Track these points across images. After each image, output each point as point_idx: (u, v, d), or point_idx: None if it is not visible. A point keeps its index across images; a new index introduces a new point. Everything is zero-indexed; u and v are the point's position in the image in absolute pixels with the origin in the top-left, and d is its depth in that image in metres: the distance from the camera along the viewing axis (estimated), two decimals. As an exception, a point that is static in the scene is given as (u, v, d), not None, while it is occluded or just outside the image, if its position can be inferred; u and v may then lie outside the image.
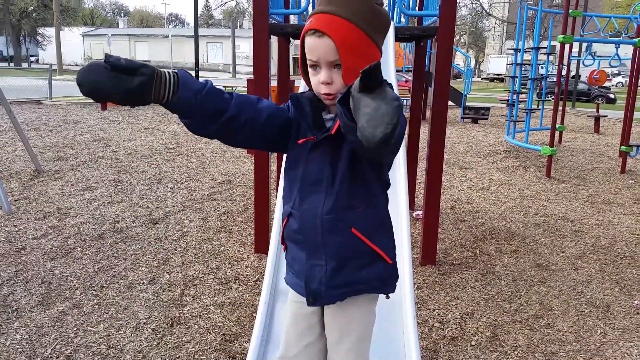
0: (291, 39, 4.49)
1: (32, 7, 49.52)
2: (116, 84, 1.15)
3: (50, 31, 48.62)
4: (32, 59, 57.61)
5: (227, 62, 53.81)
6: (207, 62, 57.20)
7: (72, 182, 6.14)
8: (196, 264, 3.90)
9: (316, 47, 1.34)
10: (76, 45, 59.94)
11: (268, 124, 1.41)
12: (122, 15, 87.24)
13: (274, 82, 4.57)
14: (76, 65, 54.75)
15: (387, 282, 1.53)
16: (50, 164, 7.04)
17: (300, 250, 1.48)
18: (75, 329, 2.91)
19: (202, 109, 1.28)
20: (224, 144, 1.43)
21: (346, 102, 1.13)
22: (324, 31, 1.31)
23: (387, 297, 1.57)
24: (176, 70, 1.26)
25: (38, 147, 8.17)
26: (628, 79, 9.52)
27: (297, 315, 1.58)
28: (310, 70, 1.39)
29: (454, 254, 4.27)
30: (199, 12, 27.53)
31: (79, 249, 4.11)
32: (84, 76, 1.14)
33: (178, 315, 3.10)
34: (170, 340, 2.83)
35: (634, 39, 8.60)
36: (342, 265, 1.45)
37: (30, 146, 6.59)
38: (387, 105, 1.03)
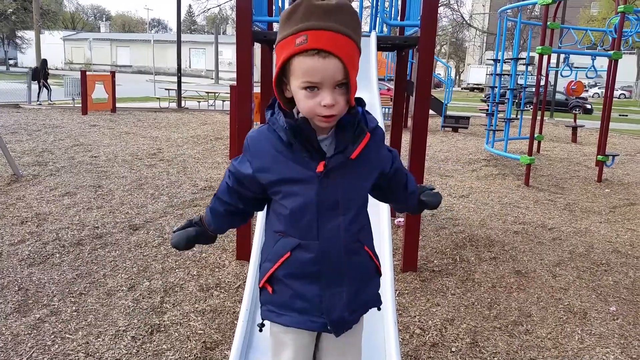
0: (274, 46, 4.50)
1: (11, 10, 48.77)
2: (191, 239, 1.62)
3: (30, 34, 47.87)
4: (11, 62, 56.68)
5: (210, 68, 53.62)
6: (190, 67, 56.95)
7: (51, 187, 6.05)
8: (177, 270, 3.87)
9: (321, 68, 1.24)
10: (57, 49, 59.18)
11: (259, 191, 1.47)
12: (104, 19, 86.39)
13: (256, 89, 4.57)
14: (56, 69, 53.99)
15: (380, 295, 1.56)
16: (29, 169, 6.93)
17: (312, 283, 1.40)
18: (52, 336, 2.87)
19: (225, 226, 1.62)
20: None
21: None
22: (330, 51, 1.23)
23: (379, 309, 1.57)
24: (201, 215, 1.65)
25: (16, 151, 8.03)
26: (604, 90, 9.73)
27: (299, 349, 1.50)
28: (303, 92, 1.29)
29: (435, 261, 4.30)
30: (182, 17, 27.44)
31: (57, 255, 4.05)
32: (173, 242, 1.62)
33: (158, 322, 3.07)
34: (150, 348, 2.80)
35: (609, 52, 8.80)
36: (362, 286, 1.47)
37: (8, 150, 6.48)
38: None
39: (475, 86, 51.62)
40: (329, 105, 1.27)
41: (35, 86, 17.11)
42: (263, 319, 1.52)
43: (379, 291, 1.57)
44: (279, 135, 1.36)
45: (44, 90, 17.34)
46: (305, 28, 1.24)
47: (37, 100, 16.84)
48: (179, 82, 19.33)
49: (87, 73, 15.06)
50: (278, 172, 1.37)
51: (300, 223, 1.39)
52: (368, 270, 1.49)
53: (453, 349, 2.94)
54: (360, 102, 1.42)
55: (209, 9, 42.63)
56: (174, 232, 1.61)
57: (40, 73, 17.43)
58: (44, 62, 18.75)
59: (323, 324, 1.43)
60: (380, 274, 1.54)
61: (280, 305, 1.44)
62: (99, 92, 15.04)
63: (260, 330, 1.57)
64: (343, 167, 1.37)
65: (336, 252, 1.39)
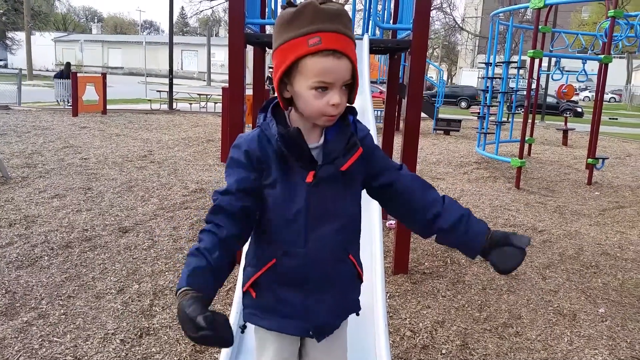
0: (267, 48, 4.50)
1: (2, 11, 48.43)
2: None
3: (20, 35, 47.53)
4: (1, 63, 56.29)
5: (202, 70, 53.51)
6: (182, 69, 56.80)
7: (40, 190, 6.00)
8: (166, 273, 3.85)
9: (335, 68, 1.29)
10: (47, 51, 58.86)
11: (252, 209, 1.38)
12: (96, 21, 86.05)
13: (249, 91, 4.57)
14: (47, 70, 53.67)
15: (359, 300, 1.57)
16: (18, 171, 6.87)
17: (296, 290, 1.41)
18: (40, 340, 2.84)
19: (225, 272, 1.35)
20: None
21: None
22: (343, 51, 1.28)
23: (357, 314, 1.58)
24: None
25: (5, 153, 7.97)
26: (594, 94, 9.81)
27: (281, 352, 1.50)
28: (312, 92, 1.30)
29: (426, 263, 4.31)
30: (175, 19, 27.36)
31: (45, 258, 4.01)
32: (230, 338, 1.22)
33: (147, 325, 3.05)
34: (139, 351, 2.78)
35: (600, 56, 8.88)
36: (345, 293, 1.49)
37: (-3, 152, 6.42)
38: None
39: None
40: (337, 104, 1.31)
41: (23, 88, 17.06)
42: (245, 321, 1.53)
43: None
44: (269, 140, 1.37)
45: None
46: (318, 30, 1.26)
47: (68, 103, 17.05)
48: (171, 84, 19.27)
49: (78, 75, 14.97)
50: (268, 176, 1.37)
51: (287, 230, 1.38)
52: (351, 277, 1.50)
53: (443, 351, 2.94)
54: (352, 110, 1.44)
55: (201, 11, 42.53)
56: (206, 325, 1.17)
57: (66, 75, 17.89)
58: (68, 65, 19.23)
59: (305, 329, 1.44)
60: (361, 280, 1.55)
61: (264, 309, 1.45)
62: (89, 93, 14.97)
63: (242, 332, 1.59)
64: (333, 177, 1.38)
65: (322, 261, 1.40)
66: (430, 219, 1.44)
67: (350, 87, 1.36)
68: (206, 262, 1.28)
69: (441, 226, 1.42)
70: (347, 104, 1.39)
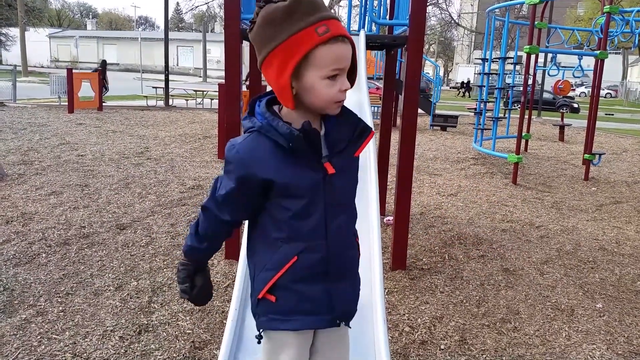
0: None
1: (-5, 7, 48.10)
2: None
3: (14, 31, 47.18)
4: (-5, 59, 55.97)
5: (198, 66, 53.31)
6: (177, 65, 56.60)
7: (37, 187, 5.98)
8: (165, 270, 3.84)
9: (346, 54, 1.30)
10: (42, 47, 58.47)
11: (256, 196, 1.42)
12: (91, 17, 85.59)
13: (245, 87, 4.55)
14: (42, 66, 53.37)
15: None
16: (14, 168, 6.84)
17: (318, 283, 1.41)
18: (39, 337, 2.83)
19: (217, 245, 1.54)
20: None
21: None
22: (347, 36, 1.30)
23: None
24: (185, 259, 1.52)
25: (1, 150, 7.93)
26: (590, 90, 9.84)
27: (302, 347, 1.50)
28: (326, 82, 1.29)
29: (424, 259, 4.32)
30: (170, 15, 27.24)
31: (43, 255, 4.00)
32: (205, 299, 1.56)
33: (146, 322, 3.04)
34: (138, 348, 2.78)
35: (596, 51, 8.89)
36: (357, 277, 1.55)
37: (-7, 149, 6.40)
38: None
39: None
40: (347, 88, 1.33)
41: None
42: (264, 329, 1.48)
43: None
44: (274, 141, 1.33)
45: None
46: (322, 18, 1.26)
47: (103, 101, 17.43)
48: (167, 80, 19.20)
49: (74, 71, 14.90)
50: (281, 177, 1.34)
51: (307, 225, 1.38)
52: (358, 261, 1.56)
53: (442, 347, 2.95)
54: None
55: (196, 7, 42.38)
56: (190, 296, 1.52)
57: (104, 73, 18.37)
58: (104, 63, 19.43)
59: (330, 320, 1.46)
60: (359, 254, 1.60)
61: (285, 312, 1.42)
62: (85, 90, 14.90)
63: (259, 342, 1.53)
64: (347, 165, 1.43)
65: (341, 250, 1.44)
66: None
67: (350, 71, 1.37)
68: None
69: None
70: None
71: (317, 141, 1.35)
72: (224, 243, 1.59)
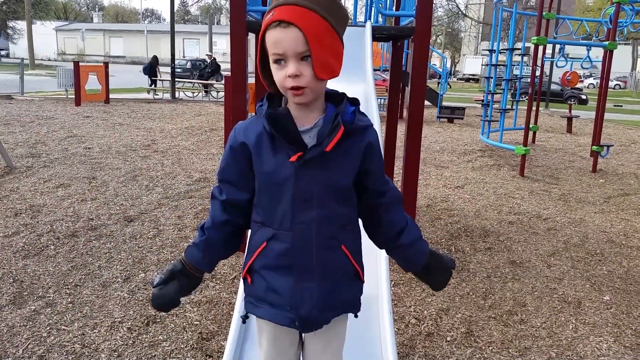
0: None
1: (2, 0, 48.26)
2: (171, 292, 1.49)
3: (21, 24, 47.36)
4: (3, 52, 56.19)
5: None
6: (184, 58, 56.54)
7: (45, 179, 6.02)
8: (172, 261, 3.86)
9: (283, 39, 1.28)
10: (49, 40, 58.72)
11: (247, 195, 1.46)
12: (97, 10, 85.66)
13: (251, 79, 4.55)
14: (49, 59, 53.54)
15: (359, 302, 1.55)
16: (22, 161, 6.88)
17: (284, 276, 1.41)
18: (48, 328, 2.86)
19: (219, 256, 1.54)
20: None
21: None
22: (291, 21, 1.27)
23: (356, 316, 1.56)
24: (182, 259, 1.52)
25: (9, 143, 7.98)
26: (599, 81, 9.75)
27: (275, 340, 1.52)
28: (274, 67, 1.33)
29: (430, 252, 4.31)
30: (176, 7, 27.20)
31: (52, 247, 4.04)
32: (156, 304, 1.50)
33: (154, 313, 3.07)
34: (146, 339, 2.80)
35: (604, 42, 8.80)
36: (334, 286, 1.45)
37: (1, 142, 6.44)
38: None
39: (470, 77, 51.63)
40: (292, 75, 1.29)
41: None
42: (246, 311, 1.54)
43: (362, 297, 1.54)
44: (263, 125, 1.38)
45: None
46: (275, 5, 1.31)
47: (156, 94, 18.53)
48: (173, 73, 19.21)
49: (80, 64, 14.94)
50: (259, 160, 1.39)
51: (276, 213, 1.40)
52: (344, 272, 1.47)
53: (448, 339, 2.96)
54: (354, 101, 1.44)
55: (202, -1, 42.31)
56: (155, 286, 1.48)
57: (152, 69, 19.52)
58: (155, 58, 20.48)
59: (292, 320, 1.42)
60: (361, 280, 1.52)
61: (257, 297, 1.46)
62: (92, 83, 14.94)
63: (244, 322, 1.61)
64: (322, 160, 1.37)
65: (307, 245, 1.40)
66: (396, 233, 1.52)
67: (322, 57, 1.32)
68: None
69: (403, 242, 1.52)
70: (351, 96, 1.40)
71: (289, 128, 1.35)
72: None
